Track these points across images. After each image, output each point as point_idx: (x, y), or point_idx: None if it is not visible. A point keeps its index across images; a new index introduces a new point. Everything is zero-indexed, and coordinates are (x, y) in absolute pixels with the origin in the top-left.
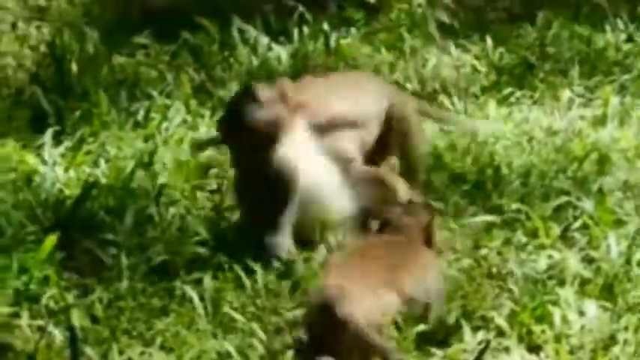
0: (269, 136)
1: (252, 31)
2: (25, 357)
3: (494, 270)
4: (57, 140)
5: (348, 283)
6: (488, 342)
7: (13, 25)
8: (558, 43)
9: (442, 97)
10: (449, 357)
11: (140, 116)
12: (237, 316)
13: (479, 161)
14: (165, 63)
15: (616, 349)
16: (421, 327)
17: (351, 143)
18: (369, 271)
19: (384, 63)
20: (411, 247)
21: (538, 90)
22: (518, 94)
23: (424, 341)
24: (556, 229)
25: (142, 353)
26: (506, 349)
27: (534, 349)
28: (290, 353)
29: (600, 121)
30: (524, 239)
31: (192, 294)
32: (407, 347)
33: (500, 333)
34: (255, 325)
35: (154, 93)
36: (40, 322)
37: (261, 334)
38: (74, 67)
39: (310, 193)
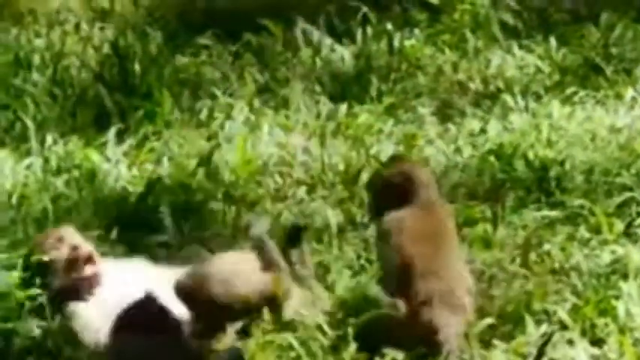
0: None
1: (315, 32)
2: None
3: (557, 265)
4: (120, 138)
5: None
6: (551, 334)
7: (77, 26)
8: (622, 44)
9: (506, 97)
10: (512, 350)
11: (203, 115)
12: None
13: (542, 158)
14: (228, 63)
15: None
16: (486, 320)
17: None
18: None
19: (447, 63)
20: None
21: (601, 89)
22: (581, 93)
23: (487, 334)
24: (619, 225)
25: None
26: (570, 342)
27: (597, 342)
28: (353, 345)
29: None
30: (587, 235)
31: None
32: (470, 340)
33: (564, 327)
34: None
35: (217, 93)
36: None
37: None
38: (137, 67)
39: None
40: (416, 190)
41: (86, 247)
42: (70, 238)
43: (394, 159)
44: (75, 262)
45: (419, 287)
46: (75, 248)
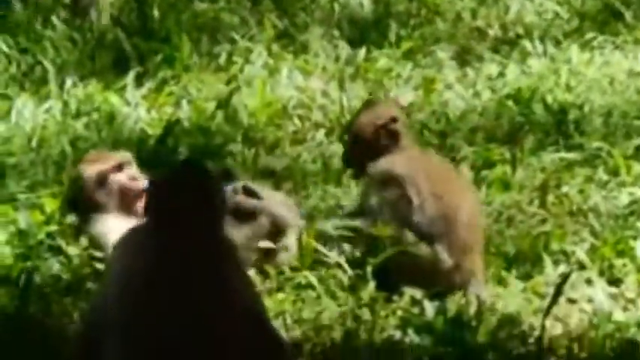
0: None
1: None
2: None
3: (575, 207)
4: (139, 82)
5: None
6: (569, 274)
7: None
8: None
9: (524, 42)
10: (530, 289)
11: (222, 60)
12: (319, 247)
13: (561, 101)
14: (247, 9)
15: None
16: (496, 256)
17: None
18: None
19: (466, 10)
20: None
21: (620, 35)
22: (600, 38)
23: (506, 274)
24: (637, 167)
25: None
26: (588, 282)
27: (615, 282)
28: (371, 284)
29: None
30: (605, 177)
31: None
32: (488, 278)
33: (582, 267)
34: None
35: (236, 37)
36: None
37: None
38: (156, 11)
39: None
40: (404, 132)
41: (142, 181)
42: (129, 168)
43: (369, 104)
44: (129, 192)
45: (460, 236)
46: (133, 179)
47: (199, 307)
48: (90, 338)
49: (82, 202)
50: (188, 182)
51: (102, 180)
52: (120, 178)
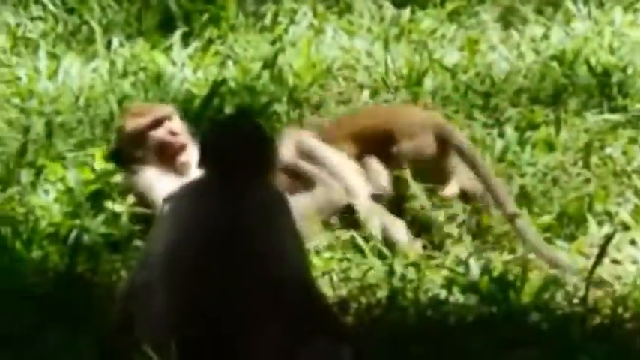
0: None
1: None
2: None
3: (618, 168)
4: (185, 42)
5: None
6: (612, 234)
7: None
8: None
9: (567, 3)
10: (574, 249)
11: (267, 20)
12: None
13: (604, 63)
14: None
15: None
16: (540, 217)
17: None
18: None
19: None
20: None
21: None
22: None
23: (550, 234)
24: None
25: None
26: (632, 242)
27: None
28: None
29: None
30: None
31: None
32: None
33: (625, 228)
34: None
35: None
36: None
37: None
38: None
39: None
40: None
41: (183, 136)
42: (171, 122)
43: None
44: (169, 147)
45: None
46: (173, 134)
47: (254, 259)
48: (135, 295)
49: (125, 158)
50: (242, 133)
51: (141, 135)
52: (160, 133)
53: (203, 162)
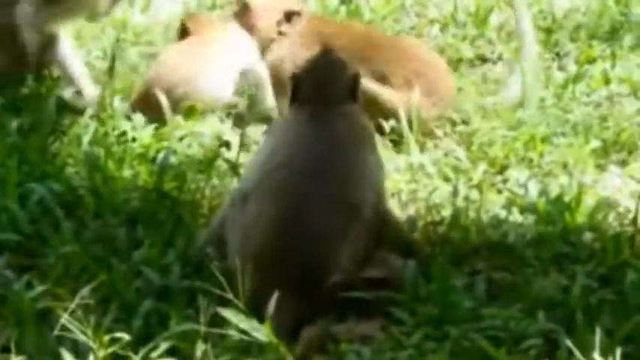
0: None
1: None
2: None
3: None
4: None
5: None
6: None
7: None
8: None
9: None
10: (627, 173)
11: None
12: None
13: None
14: None
15: None
16: (595, 143)
17: None
18: None
19: None
20: None
21: None
22: None
23: (603, 159)
24: None
25: None
26: None
27: None
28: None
29: None
30: None
31: None
32: (585, 160)
33: None
34: None
35: None
36: None
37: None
38: None
39: None
40: None
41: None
42: None
43: None
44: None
45: None
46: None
47: (337, 184)
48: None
49: None
50: (328, 67)
51: None
52: None
53: (294, 96)
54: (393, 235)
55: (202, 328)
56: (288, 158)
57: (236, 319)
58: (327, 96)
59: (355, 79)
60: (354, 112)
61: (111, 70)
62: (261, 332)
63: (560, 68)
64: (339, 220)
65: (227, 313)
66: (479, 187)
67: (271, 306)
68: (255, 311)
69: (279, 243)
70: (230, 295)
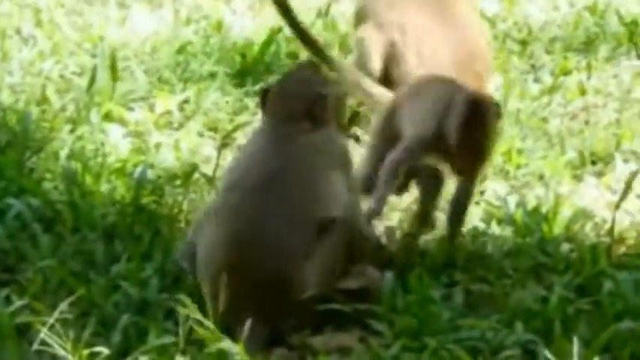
0: None
1: None
2: None
3: None
4: None
5: None
6: (637, 171)
7: None
8: None
9: None
10: (603, 184)
11: None
12: None
13: (633, 14)
14: None
15: None
16: (571, 155)
17: None
18: None
19: None
20: None
21: None
22: None
23: (579, 170)
24: None
25: None
26: None
27: None
28: None
29: None
30: None
31: None
32: (561, 171)
33: None
34: None
35: None
36: None
37: None
38: None
39: None
40: None
41: None
42: None
43: None
44: None
45: None
46: None
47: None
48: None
49: None
50: (297, 82)
51: None
52: None
53: (263, 109)
54: (369, 249)
55: (181, 342)
56: (244, 174)
57: (210, 337)
58: (287, 112)
59: (318, 99)
60: (325, 126)
61: (90, 85)
62: (235, 351)
63: (536, 80)
64: (302, 235)
65: (202, 332)
66: None
67: (246, 329)
68: (228, 327)
69: (237, 260)
70: (199, 316)
